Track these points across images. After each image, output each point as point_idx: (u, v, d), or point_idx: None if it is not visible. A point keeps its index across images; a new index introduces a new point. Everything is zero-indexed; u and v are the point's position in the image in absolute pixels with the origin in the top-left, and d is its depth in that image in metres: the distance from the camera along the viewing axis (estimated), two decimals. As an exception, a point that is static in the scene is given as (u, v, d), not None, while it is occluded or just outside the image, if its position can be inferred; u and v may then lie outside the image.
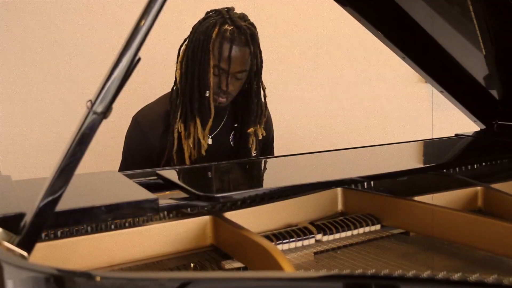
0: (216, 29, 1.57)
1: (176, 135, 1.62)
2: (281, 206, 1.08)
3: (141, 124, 1.67)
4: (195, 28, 1.63)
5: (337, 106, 2.87)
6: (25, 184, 1.07)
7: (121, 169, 1.72)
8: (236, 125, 1.73)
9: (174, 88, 1.66)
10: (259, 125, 1.72)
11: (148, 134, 1.65)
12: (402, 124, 3.01)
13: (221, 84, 1.60)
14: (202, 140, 1.63)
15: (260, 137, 1.73)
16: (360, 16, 1.51)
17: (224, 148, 1.70)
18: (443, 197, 1.13)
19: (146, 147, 1.65)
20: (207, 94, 1.60)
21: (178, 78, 1.64)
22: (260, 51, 1.65)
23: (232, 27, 1.58)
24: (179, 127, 1.62)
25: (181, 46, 1.67)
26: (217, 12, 1.64)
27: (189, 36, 1.64)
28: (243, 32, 1.59)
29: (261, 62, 1.67)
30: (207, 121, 1.63)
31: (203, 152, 1.63)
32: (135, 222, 1.00)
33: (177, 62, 1.66)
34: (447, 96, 1.69)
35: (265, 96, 1.72)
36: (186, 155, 1.63)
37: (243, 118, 1.72)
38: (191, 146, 1.63)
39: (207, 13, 1.66)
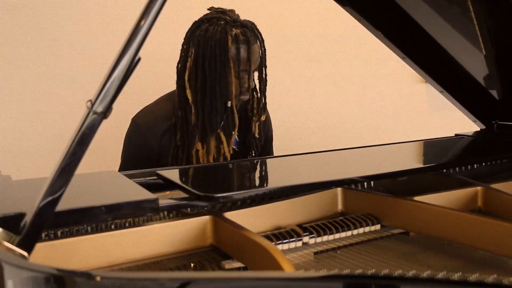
0: (229, 37, 1.55)
1: (195, 158, 1.61)
2: (281, 206, 1.08)
3: (140, 126, 1.66)
4: (198, 41, 1.58)
5: (337, 106, 2.87)
6: (25, 184, 1.07)
7: (121, 171, 1.72)
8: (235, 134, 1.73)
9: (181, 106, 1.61)
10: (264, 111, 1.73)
11: (147, 136, 1.64)
12: (402, 124, 3.01)
13: (243, 84, 1.59)
14: (227, 153, 1.61)
15: (263, 118, 1.72)
16: (360, 16, 1.51)
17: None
18: (443, 197, 1.12)
19: (145, 148, 1.65)
20: (228, 105, 1.59)
21: (191, 97, 1.59)
22: (263, 40, 1.66)
23: (239, 29, 1.57)
24: (197, 147, 1.61)
25: (179, 63, 1.63)
26: (214, 18, 1.60)
27: (189, 49, 1.60)
28: (250, 28, 1.59)
29: (265, 50, 1.66)
30: (231, 133, 1.62)
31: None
32: (135, 222, 1.00)
33: (180, 80, 1.62)
34: (447, 96, 1.69)
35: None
36: (204, 161, 1.63)
37: (246, 111, 1.71)
38: (211, 161, 1.62)
39: (199, 22, 1.62)
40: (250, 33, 1.58)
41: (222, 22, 1.58)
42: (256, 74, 1.67)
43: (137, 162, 1.65)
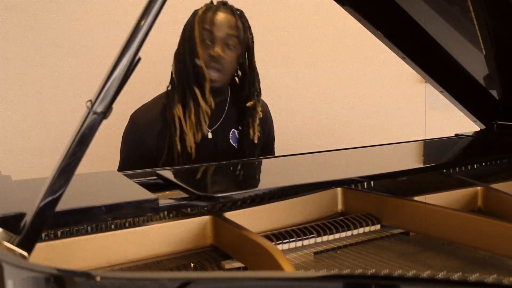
0: (203, 8, 1.66)
1: (177, 123, 1.63)
2: (281, 206, 1.08)
3: (137, 123, 1.68)
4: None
5: (337, 106, 2.87)
6: (25, 184, 1.07)
7: (120, 169, 1.72)
8: (235, 128, 1.74)
9: (170, 82, 1.69)
10: (257, 101, 1.73)
11: (145, 133, 1.65)
12: (402, 124, 3.01)
13: (208, 48, 1.63)
14: (204, 107, 1.62)
15: (260, 114, 1.73)
16: (360, 16, 1.51)
17: (224, 145, 1.70)
18: (443, 197, 1.13)
19: (142, 146, 1.66)
20: (197, 62, 1.63)
21: (173, 68, 1.68)
22: (250, 27, 1.70)
23: (217, 4, 1.68)
24: (178, 111, 1.63)
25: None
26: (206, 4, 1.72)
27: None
28: (228, 6, 1.68)
29: (252, 38, 1.70)
30: (204, 86, 1.64)
31: (205, 132, 1.64)
32: (135, 222, 1.00)
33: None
34: (447, 96, 1.69)
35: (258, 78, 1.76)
36: (191, 139, 1.63)
37: (242, 103, 1.73)
38: (194, 127, 1.63)
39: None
40: (225, 6, 1.67)
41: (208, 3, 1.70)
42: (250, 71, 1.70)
43: (135, 159, 1.66)
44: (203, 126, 1.64)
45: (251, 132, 1.71)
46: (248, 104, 1.70)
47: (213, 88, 1.65)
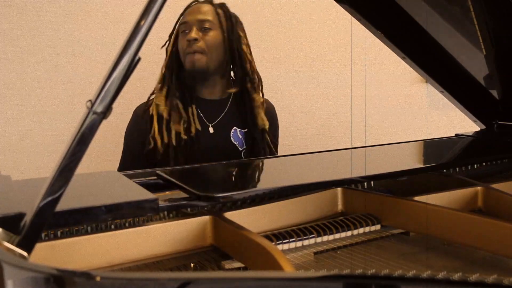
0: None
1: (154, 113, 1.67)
2: (281, 206, 1.08)
3: (138, 116, 1.71)
4: None
5: (337, 106, 2.87)
6: (25, 184, 1.07)
7: (120, 163, 1.75)
8: (236, 128, 1.74)
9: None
10: (255, 91, 1.74)
11: (143, 124, 1.67)
12: (401, 124, 3.01)
13: (186, 34, 1.67)
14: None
15: (262, 105, 1.73)
16: (360, 16, 1.50)
17: (225, 142, 1.70)
18: (443, 197, 1.12)
19: (141, 136, 1.67)
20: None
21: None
22: (236, 17, 1.73)
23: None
24: (155, 105, 1.67)
25: None
26: None
27: None
28: (209, 1, 1.73)
29: (237, 30, 1.72)
30: (182, 75, 1.69)
31: (197, 127, 1.65)
32: (135, 222, 1.00)
33: None
34: (447, 96, 1.69)
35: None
36: (166, 135, 1.64)
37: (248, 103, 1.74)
38: (178, 119, 1.65)
39: None
40: (206, 1, 1.72)
41: None
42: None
43: (136, 153, 1.67)
44: (192, 121, 1.65)
45: (255, 133, 1.71)
46: (230, 90, 1.71)
47: (198, 71, 1.66)
